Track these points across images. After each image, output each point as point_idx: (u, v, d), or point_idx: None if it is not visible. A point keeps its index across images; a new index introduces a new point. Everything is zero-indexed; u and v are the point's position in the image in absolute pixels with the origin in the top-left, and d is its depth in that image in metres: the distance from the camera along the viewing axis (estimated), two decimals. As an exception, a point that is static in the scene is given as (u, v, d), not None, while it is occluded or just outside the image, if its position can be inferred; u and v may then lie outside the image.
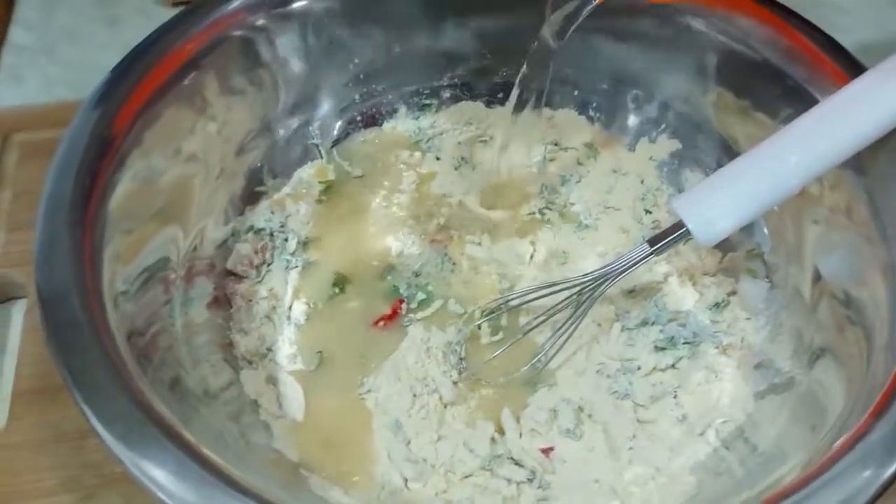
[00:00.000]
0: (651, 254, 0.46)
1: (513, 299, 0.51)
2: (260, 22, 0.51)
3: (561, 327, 0.48)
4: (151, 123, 0.45)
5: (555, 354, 0.49)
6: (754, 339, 0.50)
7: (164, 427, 0.35)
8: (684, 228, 0.45)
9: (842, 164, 0.44)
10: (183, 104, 0.48)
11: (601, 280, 0.48)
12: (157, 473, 0.34)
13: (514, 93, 0.50)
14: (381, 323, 0.51)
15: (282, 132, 0.56)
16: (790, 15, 0.50)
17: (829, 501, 0.34)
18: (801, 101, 0.47)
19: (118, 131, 0.43)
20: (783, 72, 0.49)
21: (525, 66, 0.49)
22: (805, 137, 0.43)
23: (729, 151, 0.53)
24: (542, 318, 0.49)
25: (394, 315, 0.51)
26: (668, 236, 0.46)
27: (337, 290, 0.53)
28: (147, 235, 0.45)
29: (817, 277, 0.48)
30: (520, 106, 0.51)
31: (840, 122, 0.42)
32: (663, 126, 0.58)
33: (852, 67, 0.47)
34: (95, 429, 0.34)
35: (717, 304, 0.52)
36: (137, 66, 0.46)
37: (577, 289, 0.48)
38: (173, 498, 0.33)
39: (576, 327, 0.48)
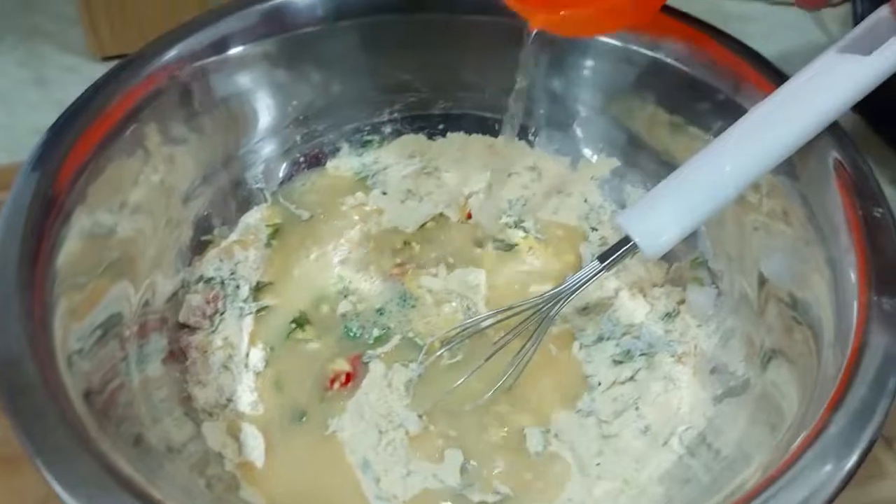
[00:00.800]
0: (601, 270, 0.47)
1: (469, 327, 0.51)
2: (198, 70, 0.51)
3: (520, 351, 0.49)
4: (94, 178, 0.45)
5: (516, 378, 0.49)
6: (707, 346, 0.51)
7: (129, 487, 0.34)
8: (631, 243, 0.46)
9: (775, 171, 0.46)
10: (125, 157, 0.47)
11: (556, 300, 0.48)
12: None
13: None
14: (337, 386, 0.50)
15: (226, 178, 0.55)
16: (711, 30, 0.52)
17: (794, 499, 0.35)
18: (731, 113, 0.48)
19: (61, 189, 0.43)
20: (711, 86, 0.51)
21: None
22: (737, 146, 0.45)
23: (667, 165, 0.54)
24: (501, 343, 0.49)
25: (350, 377, 0.50)
26: (616, 251, 0.47)
27: (295, 332, 0.52)
28: (98, 292, 0.44)
29: (762, 281, 0.49)
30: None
31: (769, 129, 0.44)
32: (601, 145, 0.59)
33: (775, 76, 0.49)
34: (59, 495, 0.33)
35: (668, 314, 0.53)
36: (75, 123, 0.45)
37: (533, 311, 0.49)
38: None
39: (535, 349, 0.49)
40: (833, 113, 0.44)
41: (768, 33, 0.73)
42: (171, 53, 0.50)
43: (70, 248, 0.42)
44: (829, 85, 0.44)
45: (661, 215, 0.46)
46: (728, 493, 0.40)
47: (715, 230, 0.54)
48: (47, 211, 0.42)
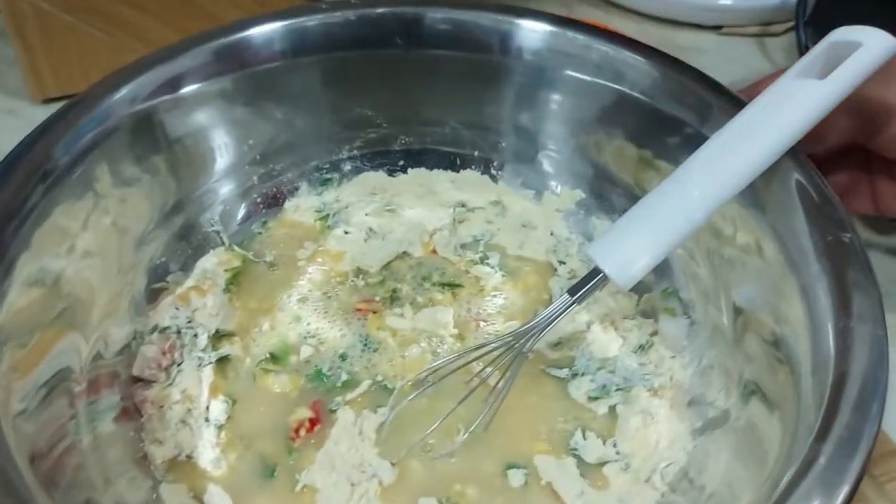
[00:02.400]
0: (572, 303, 0.46)
1: (440, 367, 0.49)
2: (150, 110, 0.49)
3: (493, 390, 0.47)
4: (39, 223, 0.42)
5: (492, 418, 0.48)
6: (683, 377, 0.51)
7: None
8: (601, 274, 0.45)
9: (743, 203, 0.46)
10: (73, 200, 0.44)
11: (527, 335, 0.47)
12: None
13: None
14: (303, 433, 0.48)
15: (181, 221, 0.53)
16: (673, 62, 0.53)
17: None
18: (698, 145, 0.48)
19: (2, 237, 0.40)
20: (678, 118, 0.51)
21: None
22: (703, 172, 0.45)
23: (635, 198, 0.54)
24: (474, 385, 0.48)
25: (314, 423, 0.48)
26: (587, 284, 0.46)
27: (259, 380, 0.50)
28: (44, 345, 0.41)
29: (737, 311, 0.49)
30: None
31: (733, 153, 0.44)
32: (566, 178, 0.59)
33: (736, 105, 0.49)
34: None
35: (641, 347, 0.52)
36: (18, 167, 0.43)
37: (505, 348, 0.47)
38: None
39: (508, 387, 0.47)
40: (794, 135, 0.44)
41: (718, 64, 0.74)
42: (122, 93, 0.48)
43: (12, 299, 0.39)
44: (789, 108, 0.44)
45: (631, 244, 0.45)
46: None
47: (685, 260, 0.53)
48: (-12, 261, 0.39)
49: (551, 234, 0.58)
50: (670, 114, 0.51)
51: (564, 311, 0.46)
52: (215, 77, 0.51)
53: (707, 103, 0.50)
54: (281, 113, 0.55)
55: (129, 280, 0.49)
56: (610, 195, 0.57)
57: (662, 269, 0.53)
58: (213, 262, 0.54)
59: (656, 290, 0.54)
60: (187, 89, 0.50)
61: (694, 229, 0.45)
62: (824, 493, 0.35)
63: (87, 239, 0.45)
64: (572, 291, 0.46)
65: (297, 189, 0.59)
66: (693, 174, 0.45)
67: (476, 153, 0.60)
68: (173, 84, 0.50)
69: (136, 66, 0.49)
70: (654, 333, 0.53)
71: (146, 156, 0.49)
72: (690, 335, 0.52)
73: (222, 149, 0.54)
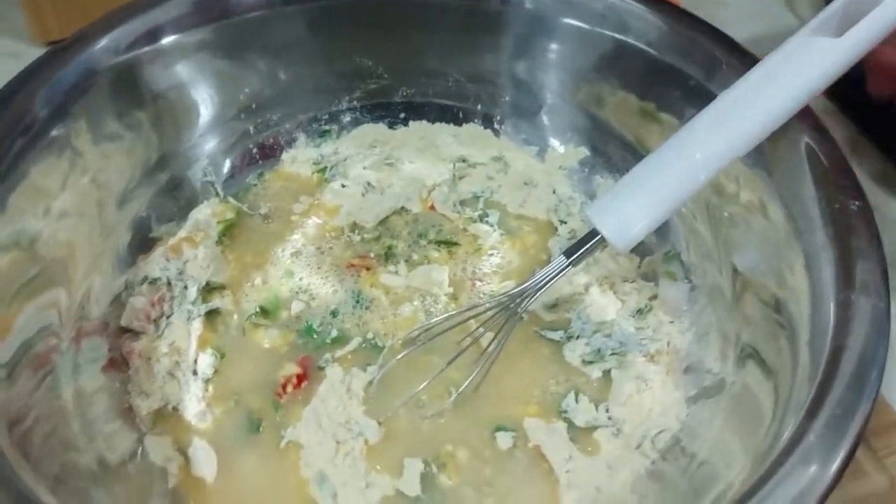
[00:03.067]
0: (568, 265, 0.45)
1: (432, 326, 0.49)
2: (131, 61, 0.47)
3: (485, 351, 0.47)
4: (15, 185, 0.41)
5: (482, 379, 0.47)
6: (680, 343, 0.49)
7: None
8: (599, 236, 0.44)
9: (750, 163, 0.45)
10: (52, 158, 0.43)
11: (522, 296, 0.46)
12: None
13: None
14: (290, 389, 0.47)
15: (166, 177, 0.52)
16: (682, 14, 0.50)
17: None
18: (703, 100, 0.46)
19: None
20: (683, 72, 0.49)
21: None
22: (708, 132, 0.43)
23: (637, 155, 0.52)
24: (465, 345, 0.47)
25: (301, 378, 0.48)
26: (584, 245, 0.45)
27: (249, 334, 0.49)
28: (21, 304, 0.41)
29: (737, 273, 0.48)
30: None
31: (740, 113, 0.42)
32: (569, 134, 0.57)
33: (749, 62, 0.46)
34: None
35: (639, 311, 0.51)
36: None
37: (499, 308, 0.47)
38: None
39: (500, 349, 0.47)
40: (805, 95, 0.42)
41: (739, 18, 0.71)
42: (102, 43, 0.46)
43: None
44: (801, 66, 0.42)
45: (631, 206, 0.44)
46: (710, 500, 0.38)
47: (688, 221, 0.52)
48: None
49: (553, 192, 0.57)
50: (676, 67, 0.49)
51: (560, 272, 0.45)
52: (197, 27, 0.49)
53: (716, 59, 0.48)
54: (270, 64, 0.53)
55: (114, 235, 0.49)
56: (613, 153, 0.55)
57: (664, 232, 0.52)
58: (206, 214, 0.54)
59: (658, 253, 0.53)
60: (168, 40, 0.49)
61: (696, 191, 0.43)
62: (813, 470, 0.34)
63: (66, 199, 0.45)
64: (569, 253, 0.45)
65: (294, 140, 0.57)
66: (697, 134, 0.43)
67: (479, 107, 0.58)
68: (154, 34, 0.48)
69: (117, 16, 0.48)
70: (654, 298, 0.52)
71: (128, 111, 0.48)
72: (691, 300, 0.51)
73: (209, 101, 0.52)
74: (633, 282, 0.53)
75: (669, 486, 0.43)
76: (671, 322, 0.50)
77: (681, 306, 0.51)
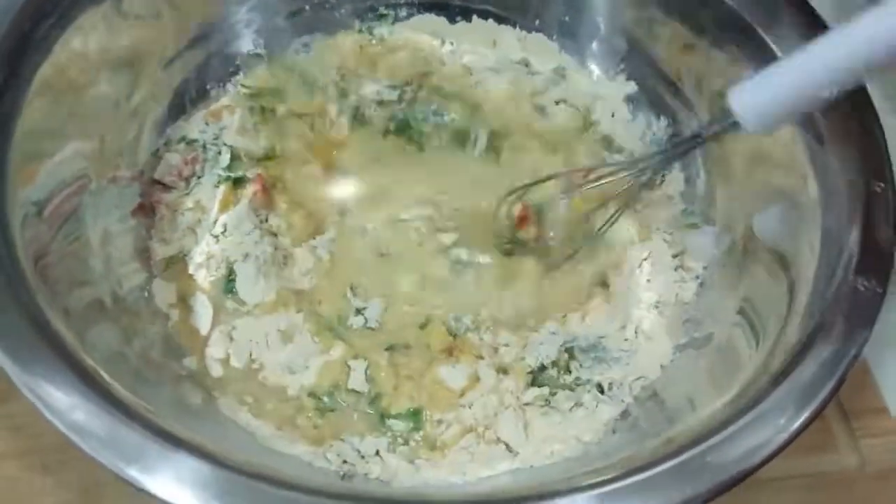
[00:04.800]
0: (702, 142, 0.46)
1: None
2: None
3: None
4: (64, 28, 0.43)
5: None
6: (688, 295, 0.50)
7: (57, 346, 0.35)
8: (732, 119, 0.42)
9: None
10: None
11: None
12: (46, 387, 0.34)
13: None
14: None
15: (216, 42, 0.53)
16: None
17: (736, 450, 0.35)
18: (755, 45, 0.47)
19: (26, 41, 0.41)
20: (739, 14, 0.48)
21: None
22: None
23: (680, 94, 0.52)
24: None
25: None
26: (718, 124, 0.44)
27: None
28: (58, 148, 0.43)
29: (750, 233, 0.48)
30: None
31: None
32: (621, 66, 0.56)
33: (808, 19, 0.46)
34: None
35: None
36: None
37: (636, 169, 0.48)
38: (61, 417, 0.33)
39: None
40: None
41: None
42: None
43: (32, 101, 0.41)
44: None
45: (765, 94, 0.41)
46: (668, 436, 0.39)
47: (720, 167, 0.51)
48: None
49: (612, 115, 0.56)
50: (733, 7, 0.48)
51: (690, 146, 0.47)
52: None
53: (779, 8, 0.47)
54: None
55: (160, 91, 0.51)
56: (659, 90, 0.54)
57: (692, 185, 0.52)
58: (250, 83, 0.55)
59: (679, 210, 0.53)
60: None
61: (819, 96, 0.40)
62: (768, 430, 0.36)
63: (117, 48, 0.47)
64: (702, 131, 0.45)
65: (349, 27, 0.57)
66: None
67: (536, 22, 0.57)
68: None
69: None
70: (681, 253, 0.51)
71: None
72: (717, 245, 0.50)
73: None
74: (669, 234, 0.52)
75: (635, 425, 0.45)
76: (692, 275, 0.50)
77: (711, 250, 0.51)
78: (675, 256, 0.51)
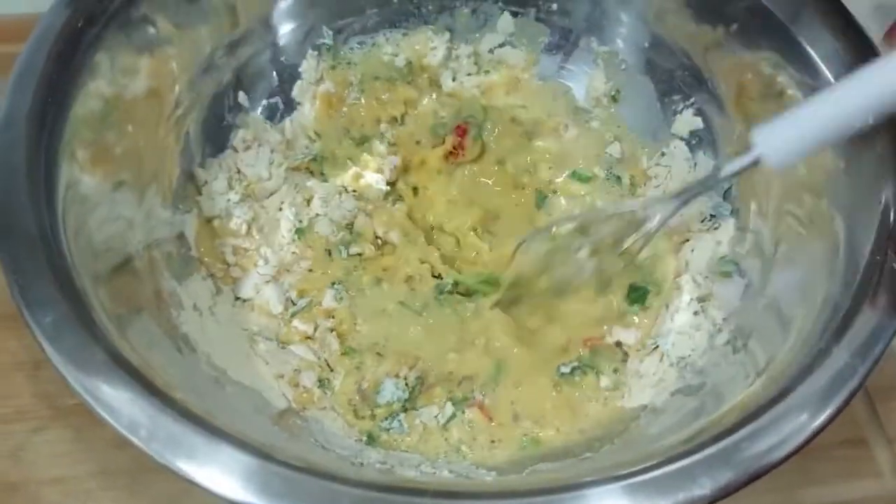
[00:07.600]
0: (722, 180, 0.46)
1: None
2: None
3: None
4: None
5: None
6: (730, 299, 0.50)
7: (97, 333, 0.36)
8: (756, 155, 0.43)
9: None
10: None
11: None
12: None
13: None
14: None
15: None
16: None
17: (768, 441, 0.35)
18: (780, 38, 0.47)
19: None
20: (766, 7, 0.48)
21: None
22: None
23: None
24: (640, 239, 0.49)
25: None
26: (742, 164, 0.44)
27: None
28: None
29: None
30: None
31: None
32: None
33: (835, 15, 0.46)
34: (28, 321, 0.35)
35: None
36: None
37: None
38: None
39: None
40: None
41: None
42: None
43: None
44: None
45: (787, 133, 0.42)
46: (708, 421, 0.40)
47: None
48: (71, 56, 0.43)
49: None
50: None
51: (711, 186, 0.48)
52: None
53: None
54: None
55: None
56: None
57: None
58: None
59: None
60: None
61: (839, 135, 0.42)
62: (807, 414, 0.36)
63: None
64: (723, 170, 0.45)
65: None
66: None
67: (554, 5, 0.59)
68: None
69: None
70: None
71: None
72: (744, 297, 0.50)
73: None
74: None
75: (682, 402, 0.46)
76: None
77: (735, 301, 0.50)
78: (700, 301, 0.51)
